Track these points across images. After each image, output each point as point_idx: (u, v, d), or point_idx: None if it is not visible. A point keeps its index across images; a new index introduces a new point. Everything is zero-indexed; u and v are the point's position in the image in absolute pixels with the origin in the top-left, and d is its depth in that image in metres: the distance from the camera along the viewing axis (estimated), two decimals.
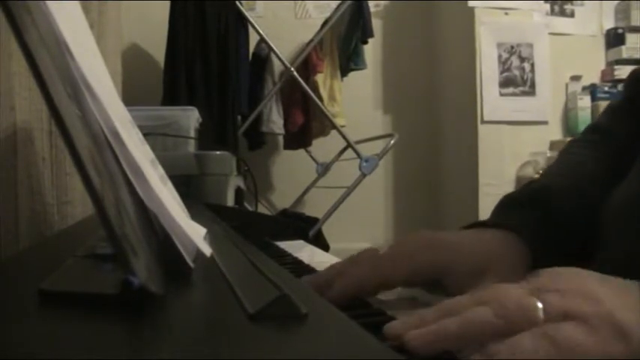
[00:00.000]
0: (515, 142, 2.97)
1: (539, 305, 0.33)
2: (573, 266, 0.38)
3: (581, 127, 3.00)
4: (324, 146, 3.11)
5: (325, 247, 2.44)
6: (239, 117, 2.70)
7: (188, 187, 1.37)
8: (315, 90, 2.81)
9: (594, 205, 0.58)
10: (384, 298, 0.53)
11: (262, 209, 3.02)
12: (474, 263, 0.51)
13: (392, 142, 2.71)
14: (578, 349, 0.31)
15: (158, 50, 2.83)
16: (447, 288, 0.51)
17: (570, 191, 0.60)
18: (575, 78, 3.13)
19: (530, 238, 0.54)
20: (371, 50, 3.25)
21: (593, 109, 3.05)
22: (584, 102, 3.07)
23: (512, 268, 0.51)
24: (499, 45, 2.99)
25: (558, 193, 0.60)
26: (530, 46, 3.02)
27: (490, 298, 0.35)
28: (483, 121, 2.96)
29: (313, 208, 3.08)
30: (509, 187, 2.93)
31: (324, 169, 3.18)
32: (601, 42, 3.21)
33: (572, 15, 3.16)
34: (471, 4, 2.97)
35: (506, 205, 0.61)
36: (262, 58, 2.89)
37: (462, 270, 0.50)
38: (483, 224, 0.57)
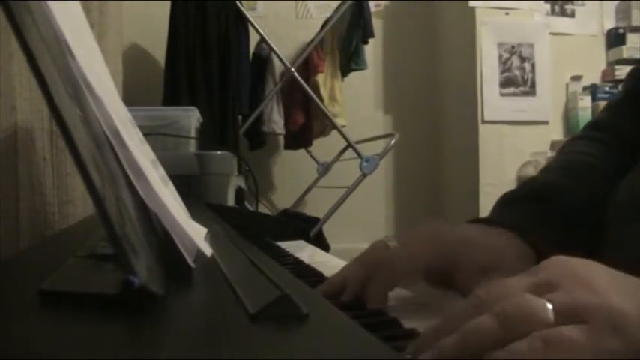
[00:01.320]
0: (516, 142, 2.97)
1: (549, 306, 0.32)
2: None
3: (582, 127, 3.01)
4: (325, 146, 3.11)
5: (326, 247, 2.44)
6: (240, 117, 2.70)
7: (189, 187, 1.37)
8: (316, 90, 2.81)
9: (596, 201, 0.58)
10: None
11: (263, 209, 3.02)
12: (485, 260, 0.52)
13: (392, 142, 2.71)
14: (572, 346, 0.31)
15: (159, 50, 2.83)
16: (457, 283, 0.51)
17: (570, 188, 0.60)
18: (576, 78, 3.13)
19: (532, 237, 0.54)
20: (372, 50, 3.25)
21: (594, 109, 3.05)
22: (585, 102, 3.07)
23: (521, 266, 0.51)
24: (500, 45, 2.99)
25: (558, 190, 0.60)
26: (531, 46, 3.02)
27: (492, 302, 0.34)
28: (484, 121, 2.96)
29: (314, 208, 3.07)
30: (509, 188, 2.89)
31: (324, 169, 3.18)
32: (601, 42, 3.21)
33: (572, 15, 3.16)
34: (471, 4, 2.97)
35: (507, 202, 0.62)
36: (263, 58, 2.89)
37: (473, 266, 0.51)
38: (486, 221, 0.57)
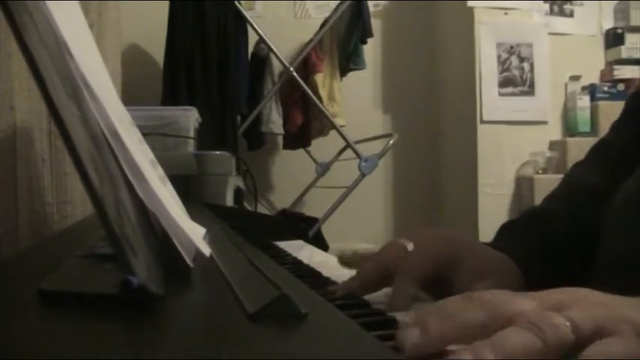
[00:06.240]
0: (515, 142, 2.97)
1: (568, 323, 0.32)
2: (571, 284, 0.39)
3: (581, 127, 3.02)
4: (324, 146, 3.11)
5: (325, 247, 2.44)
6: (238, 117, 2.70)
7: (187, 187, 1.37)
8: (315, 90, 2.81)
9: (593, 223, 0.59)
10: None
11: (262, 209, 3.01)
12: (481, 265, 0.54)
13: (391, 142, 2.71)
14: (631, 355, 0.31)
15: (157, 50, 2.83)
16: (455, 283, 0.53)
17: (568, 214, 0.63)
18: (575, 78, 3.13)
19: (525, 264, 0.57)
20: (370, 50, 3.25)
21: (593, 109, 3.05)
22: (584, 102, 3.07)
23: (507, 283, 0.54)
24: (498, 45, 2.99)
25: (556, 216, 0.63)
26: (530, 45, 3.02)
27: (513, 314, 0.33)
28: (483, 121, 2.96)
29: (313, 208, 3.08)
30: (508, 187, 2.93)
31: (323, 169, 3.18)
32: (600, 42, 3.21)
33: (571, 15, 3.16)
34: (470, 3, 2.97)
35: (508, 229, 0.64)
36: (262, 58, 2.89)
37: (470, 268, 0.53)
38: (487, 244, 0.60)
